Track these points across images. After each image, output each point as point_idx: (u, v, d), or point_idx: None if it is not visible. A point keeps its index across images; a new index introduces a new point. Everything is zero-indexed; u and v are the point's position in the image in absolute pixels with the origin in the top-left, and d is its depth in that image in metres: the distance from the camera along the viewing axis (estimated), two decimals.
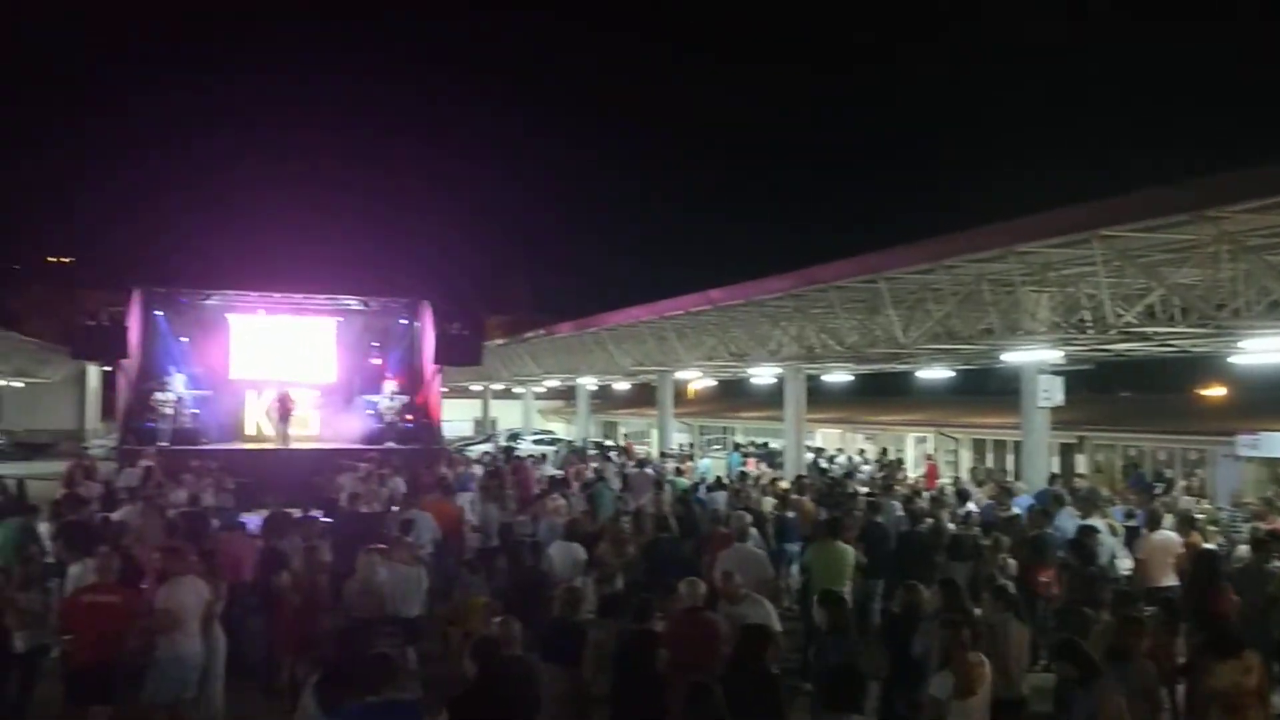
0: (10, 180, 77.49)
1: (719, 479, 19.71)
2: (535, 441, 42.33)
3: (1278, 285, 12.95)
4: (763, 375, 28.87)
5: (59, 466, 20.98)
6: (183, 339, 27.33)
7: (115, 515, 13.05)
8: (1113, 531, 13.25)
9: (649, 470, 21.45)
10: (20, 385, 49.87)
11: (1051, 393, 18.69)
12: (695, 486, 18.61)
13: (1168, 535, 11.98)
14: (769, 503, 16.27)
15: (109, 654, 7.96)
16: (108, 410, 45.17)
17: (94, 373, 52.46)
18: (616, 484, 19.48)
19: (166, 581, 8.56)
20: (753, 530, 11.45)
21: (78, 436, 49.14)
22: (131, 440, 24.30)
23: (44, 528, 12.54)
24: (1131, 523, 14.32)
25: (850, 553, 11.27)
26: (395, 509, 14.33)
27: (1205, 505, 17.66)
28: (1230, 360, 19.32)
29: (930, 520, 13.45)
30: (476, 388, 52.20)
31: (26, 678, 8.74)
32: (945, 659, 7.00)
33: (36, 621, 8.71)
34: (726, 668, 6.95)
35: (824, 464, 28.49)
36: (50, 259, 74.19)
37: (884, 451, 32.79)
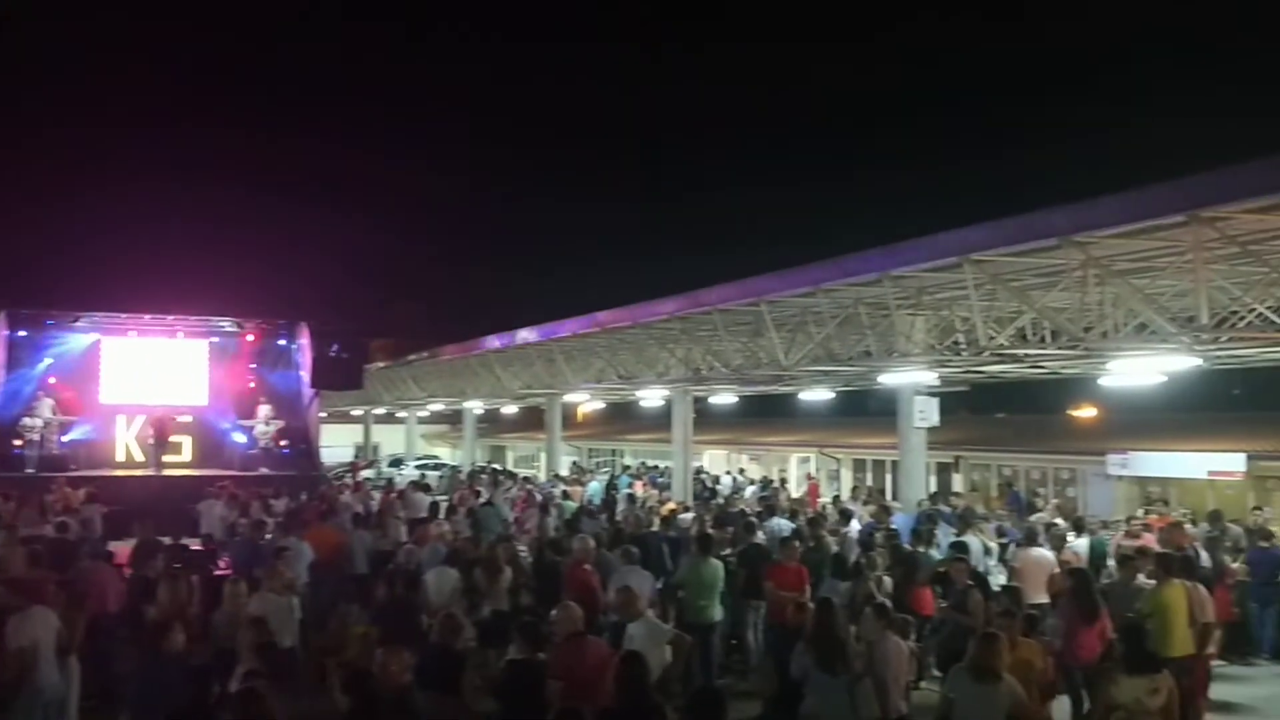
0: None
1: (604, 501, 19.67)
2: (419, 467, 41.70)
3: (1144, 309, 13.41)
4: (651, 397, 28.97)
5: None
6: (50, 362, 26.31)
7: None
8: (986, 550, 13.57)
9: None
10: None
11: (927, 413, 19.09)
12: (580, 510, 18.50)
13: (1042, 553, 12.21)
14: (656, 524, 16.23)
15: None
16: None
17: None
18: (507, 510, 19.30)
19: (14, 615, 8.21)
20: (633, 550, 11.39)
21: None
22: None
23: None
24: (1002, 540, 14.68)
25: (722, 569, 11.36)
26: (269, 537, 13.91)
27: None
28: (1100, 382, 19.99)
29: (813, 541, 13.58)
30: (357, 412, 51.23)
31: None
32: None
33: None
34: (613, 699, 6.70)
35: (708, 483, 28.73)
36: None
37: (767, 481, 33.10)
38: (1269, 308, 13.42)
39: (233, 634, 9.06)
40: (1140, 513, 18.29)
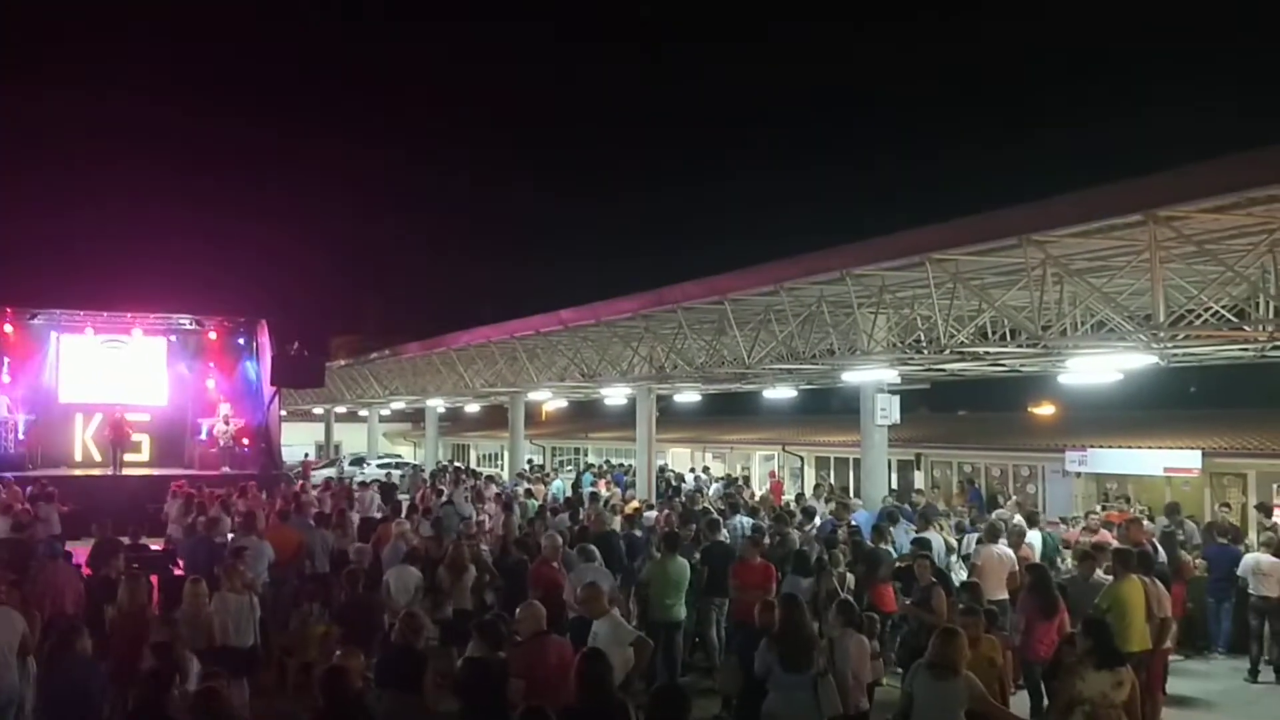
0: None
1: (567, 499, 19.63)
2: (382, 466, 41.47)
3: (1102, 307, 13.56)
4: (615, 395, 28.94)
5: None
6: (5, 360, 25.96)
7: None
8: (948, 547, 13.66)
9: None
10: None
11: (889, 411, 19.22)
12: (542, 508, 18.44)
13: (1003, 549, 12.23)
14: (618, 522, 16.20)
15: None
16: None
17: None
18: (469, 507, 19.20)
19: None
20: (590, 548, 11.37)
21: None
22: None
23: None
24: (959, 536, 14.77)
25: (687, 568, 11.36)
26: (230, 535, 13.80)
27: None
28: (1059, 380, 20.19)
29: (778, 537, 13.64)
30: (319, 410, 50.81)
31: None
32: None
33: None
34: (575, 698, 6.66)
35: (671, 480, 28.75)
36: None
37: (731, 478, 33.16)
38: (1224, 306, 13.60)
39: (193, 634, 8.96)
40: (1099, 508, 18.47)
